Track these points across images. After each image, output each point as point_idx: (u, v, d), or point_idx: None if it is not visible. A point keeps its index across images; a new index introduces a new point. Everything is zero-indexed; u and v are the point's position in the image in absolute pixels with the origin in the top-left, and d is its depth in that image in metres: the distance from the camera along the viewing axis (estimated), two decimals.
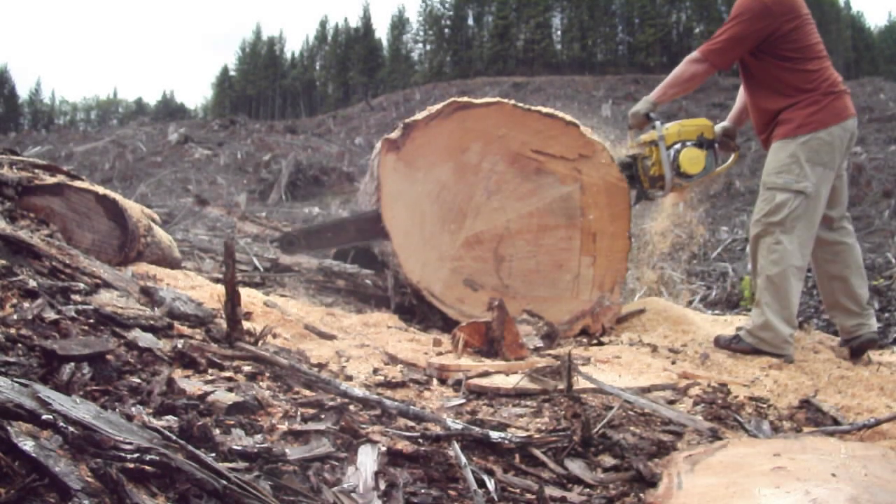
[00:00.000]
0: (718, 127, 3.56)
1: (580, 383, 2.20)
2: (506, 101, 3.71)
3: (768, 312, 2.99)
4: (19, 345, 1.60)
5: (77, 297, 2.09)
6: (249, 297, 2.94)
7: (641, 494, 1.50)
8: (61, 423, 1.14)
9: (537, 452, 1.66)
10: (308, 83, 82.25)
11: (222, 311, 2.27)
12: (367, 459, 1.44)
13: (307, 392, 1.89)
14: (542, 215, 3.70)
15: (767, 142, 3.16)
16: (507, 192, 3.67)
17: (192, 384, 1.71)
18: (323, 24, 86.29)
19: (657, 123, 3.39)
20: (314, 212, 11.33)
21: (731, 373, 2.74)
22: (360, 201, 4.36)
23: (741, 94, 3.45)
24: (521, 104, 3.73)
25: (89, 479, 1.06)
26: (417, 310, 3.66)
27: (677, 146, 3.43)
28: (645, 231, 5.35)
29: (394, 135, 3.59)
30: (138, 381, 1.63)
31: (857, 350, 3.13)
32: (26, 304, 1.86)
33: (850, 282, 3.12)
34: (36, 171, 3.05)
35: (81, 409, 1.21)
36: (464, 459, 1.51)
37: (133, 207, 3.11)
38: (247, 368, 1.98)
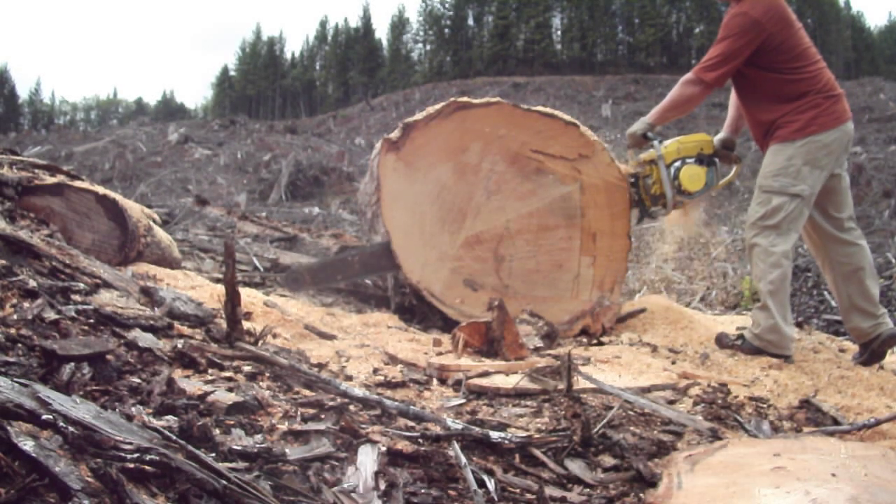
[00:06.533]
0: (717, 140, 3.51)
1: (580, 383, 2.20)
2: (505, 101, 3.71)
3: (777, 317, 2.97)
4: (19, 345, 1.60)
5: (77, 297, 2.09)
6: (249, 297, 2.94)
7: (641, 494, 1.50)
8: (61, 423, 1.14)
9: (537, 452, 1.66)
10: (308, 83, 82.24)
11: (222, 311, 2.27)
12: (367, 459, 1.44)
13: (307, 392, 1.89)
14: (542, 215, 3.69)
15: (765, 145, 3.14)
16: (506, 192, 3.67)
17: (192, 384, 1.71)
18: (323, 24, 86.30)
19: (655, 143, 3.39)
20: (314, 212, 11.32)
21: (731, 373, 2.74)
22: (359, 201, 4.36)
23: (733, 103, 3.41)
24: (520, 104, 3.74)
25: (89, 479, 1.06)
26: (417, 310, 3.66)
27: (677, 164, 3.41)
28: (645, 231, 5.34)
29: (394, 135, 3.59)
30: (138, 381, 1.63)
31: (879, 350, 3.05)
32: (26, 304, 1.86)
33: (866, 283, 3.07)
34: (36, 171, 3.05)
35: (81, 409, 1.21)
36: (464, 459, 1.51)
37: (133, 207, 3.11)
38: (247, 368, 1.98)
